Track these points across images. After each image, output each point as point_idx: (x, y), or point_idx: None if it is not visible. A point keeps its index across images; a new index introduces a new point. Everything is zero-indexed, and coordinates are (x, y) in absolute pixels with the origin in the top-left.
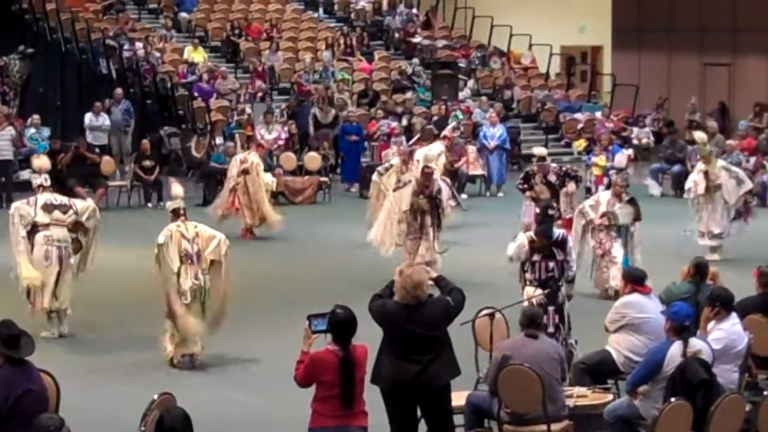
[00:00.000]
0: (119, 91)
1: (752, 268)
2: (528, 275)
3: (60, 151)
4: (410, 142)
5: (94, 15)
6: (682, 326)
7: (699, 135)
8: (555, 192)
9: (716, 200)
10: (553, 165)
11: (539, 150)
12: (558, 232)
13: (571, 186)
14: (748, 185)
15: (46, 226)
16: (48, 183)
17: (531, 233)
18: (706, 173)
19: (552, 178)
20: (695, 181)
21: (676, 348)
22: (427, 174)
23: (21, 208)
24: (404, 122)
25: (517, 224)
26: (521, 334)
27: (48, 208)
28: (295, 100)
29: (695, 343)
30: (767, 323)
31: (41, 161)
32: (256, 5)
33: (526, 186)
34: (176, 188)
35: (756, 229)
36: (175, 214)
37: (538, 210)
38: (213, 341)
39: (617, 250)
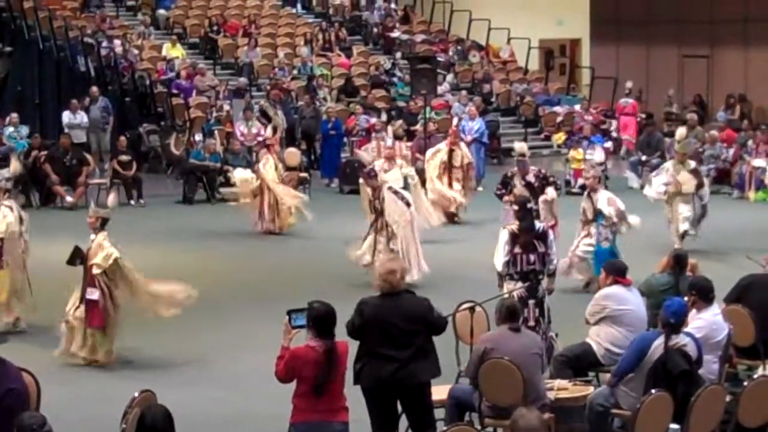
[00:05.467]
0: (95, 89)
1: (731, 259)
2: (509, 268)
3: (41, 148)
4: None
5: (72, 12)
6: (666, 322)
7: (680, 132)
8: (535, 194)
9: (687, 201)
10: (532, 167)
11: (520, 146)
12: (539, 224)
13: (550, 193)
14: None
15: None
16: (10, 187)
17: (513, 227)
18: (695, 171)
19: (531, 178)
20: (682, 181)
21: (660, 340)
22: (363, 175)
23: (14, 223)
24: (383, 117)
25: (497, 223)
26: (504, 326)
27: (21, 219)
28: (266, 99)
29: (680, 338)
30: (747, 314)
31: (15, 165)
32: (234, 1)
33: (504, 191)
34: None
35: (735, 220)
36: (104, 224)
37: (515, 206)
38: (193, 337)
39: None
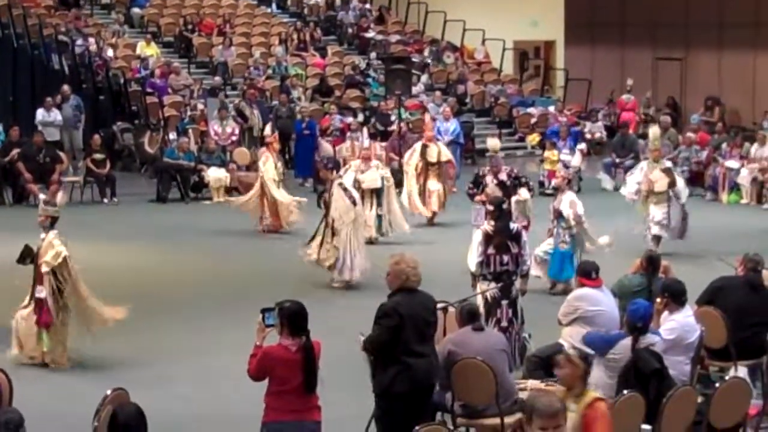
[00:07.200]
0: (66, 87)
1: (704, 261)
2: (483, 269)
3: (19, 142)
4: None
5: (46, 11)
6: (634, 326)
7: (653, 130)
8: (508, 193)
9: (657, 201)
10: (505, 167)
11: (493, 143)
12: (513, 225)
13: (523, 194)
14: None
15: None
16: None
17: (486, 227)
18: (667, 170)
19: (503, 176)
20: (654, 179)
21: (628, 340)
22: (319, 164)
23: None
24: (360, 118)
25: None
26: (467, 327)
27: None
28: (243, 99)
29: (648, 337)
30: (719, 316)
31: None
32: (209, 0)
33: (476, 190)
34: (64, 196)
35: (708, 222)
36: (53, 223)
37: (490, 206)
38: (165, 336)
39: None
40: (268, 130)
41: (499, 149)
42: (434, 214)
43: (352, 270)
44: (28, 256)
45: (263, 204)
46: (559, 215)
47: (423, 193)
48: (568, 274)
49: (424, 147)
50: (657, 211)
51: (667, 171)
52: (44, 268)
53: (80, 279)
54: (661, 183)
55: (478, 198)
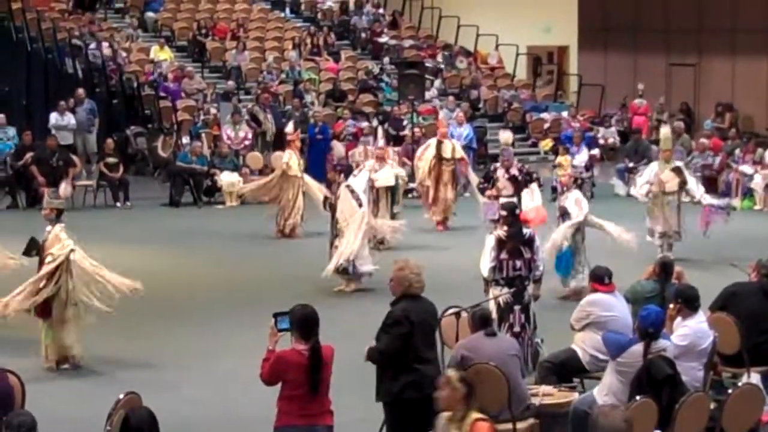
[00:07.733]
0: (81, 91)
1: (717, 267)
2: (495, 274)
3: (32, 146)
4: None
5: (60, 14)
6: (645, 332)
7: (664, 131)
8: (519, 187)
9: (670, 202)
10: (516, 162)
11: (506, 136)
12: (526, 231)
13: (533, 188)
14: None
15: None
16: None
17: (499, 232)
18: (677, 169)
19: (515, 171)
20: (665, 179)
21: (639, 346)
22: (330, 166)
23: None
24: (374, 122)
25: (483, 228)
26: (479, 333)
27: None
28: (256, 103)
29: (660, 343)
30: (732, 321)
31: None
32: (223, 5)
33: (486, 185)
34: (67, 188)
35: (721, 227)
36: (59, 215)
37: (503, 211)
38: (176, 340)
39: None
40: (290, 127)
41: (511, 142)
42: (442, 222)
43: (340, 251)
44: (34, 248)
45: (280, 204)
46: (564, 212)
47: (436, 194)
48: (564, 271)
49: (439, 143)
50: (670, 221)
51: (677, 170)
52: (48, 260)
53: (85, 258)
54: (672, 183)
55: (488, 193)
